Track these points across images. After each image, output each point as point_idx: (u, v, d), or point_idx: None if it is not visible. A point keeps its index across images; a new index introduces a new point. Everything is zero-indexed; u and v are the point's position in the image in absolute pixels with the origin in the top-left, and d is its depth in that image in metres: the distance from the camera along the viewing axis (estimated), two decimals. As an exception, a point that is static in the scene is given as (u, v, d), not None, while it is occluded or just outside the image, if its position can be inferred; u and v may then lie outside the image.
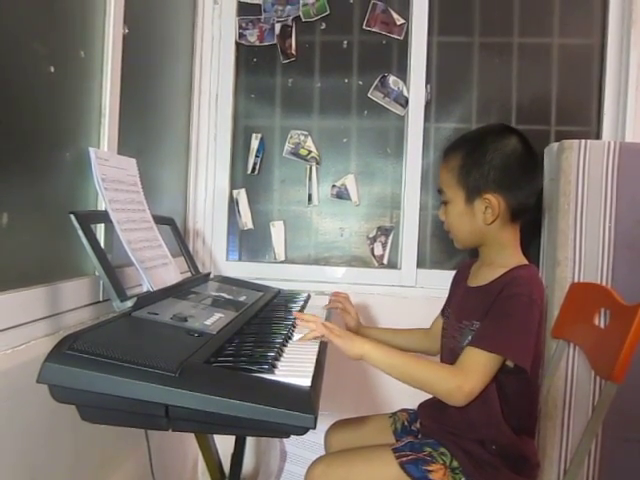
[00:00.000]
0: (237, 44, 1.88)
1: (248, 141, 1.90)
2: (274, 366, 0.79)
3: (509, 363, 1.00)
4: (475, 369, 0.97)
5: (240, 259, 1.93)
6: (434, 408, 1.15)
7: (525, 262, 1.10)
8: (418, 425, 1.22)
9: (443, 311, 1.31)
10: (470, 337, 1.05)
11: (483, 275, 1.12)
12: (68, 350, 0.68)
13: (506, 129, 1.12)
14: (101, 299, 1.09)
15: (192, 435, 1.45)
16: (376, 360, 0.98)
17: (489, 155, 1.06)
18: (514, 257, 1.10)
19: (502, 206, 1.06)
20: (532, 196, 1.10)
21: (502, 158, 1.06)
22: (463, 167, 1.08)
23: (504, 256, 1.10)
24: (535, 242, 1.70)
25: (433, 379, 0.99)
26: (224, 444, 1.42)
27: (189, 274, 1.40)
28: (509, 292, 1.01)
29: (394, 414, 1.29)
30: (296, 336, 1.00)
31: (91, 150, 1.01)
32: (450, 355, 1.12)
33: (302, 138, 1.87)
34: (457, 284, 1.27)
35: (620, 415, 1.37)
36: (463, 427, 1.06)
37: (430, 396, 1.21)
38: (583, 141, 1.47)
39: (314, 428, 0.66)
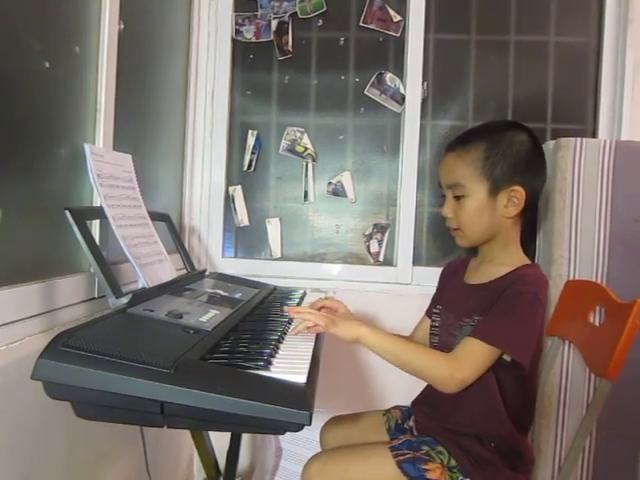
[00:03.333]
0: (233, 40, 1.87)
1: (244, 138, 1.89)
2: (270, 363, 0.79)
3: (506, 357, 1.00)
4: (469, 359, 0.97)
5: (236, 256, 1.93)
6: (429, 405, 1.15)
7: (528, 261, 1.10)
8: (412, 423, 1.21)
9: (429, 311, 1.29)
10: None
11: (484, 273, 1.12)
12: (63, 347, 0.67)
13: (519, 124, 1.13)
14: (96, 295, 1.09)
15: (187, 432, 1.45)
16: (372, 343, 0.97)
17: (515, 147, 1.07)
18: (516, 255, 1.11)
19: (524, 199, 1.07)
20: (541, 190, 1.13)
21: (526, 151, 1.08)
22: (488, 159, 1.07)
23: (506, 254, 1.10)
24: (531, 240, 1.70)
25: (427, 366, 0.98)
26: (219, 441, 1.42)
27: (185, 271, 1.40)
28: (515, 289, 1.00)
29: (387, 411, 1.29)
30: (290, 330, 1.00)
31: (86, 146, 1.01)
32: (447, 351, 1.12)
33: (298, 135, 1.87)
34: (449, 281, 1.26)
35: (614, 412, 1.38)
36: (462, 421, 1.06)
37: (423, 393, 1.21)
38: (579, 139, 1.47)
39: (309, 425, 0.66)
